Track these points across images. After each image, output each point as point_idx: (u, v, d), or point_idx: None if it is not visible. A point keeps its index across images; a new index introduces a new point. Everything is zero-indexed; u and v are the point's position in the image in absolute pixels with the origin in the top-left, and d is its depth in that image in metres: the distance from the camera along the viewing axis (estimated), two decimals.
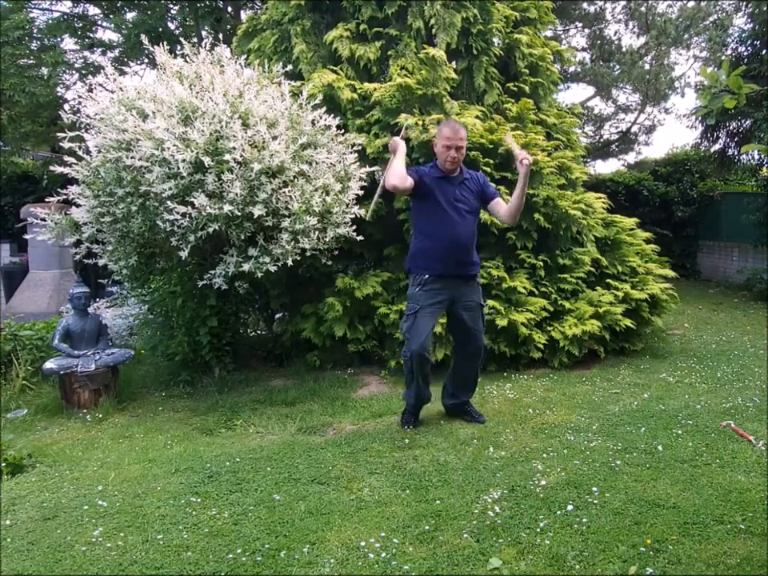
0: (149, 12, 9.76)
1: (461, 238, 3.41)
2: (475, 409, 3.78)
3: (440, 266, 3.41)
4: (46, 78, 9.15)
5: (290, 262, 4.04)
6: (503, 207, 3.49)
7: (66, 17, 10.22)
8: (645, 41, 12.20)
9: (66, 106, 4.35)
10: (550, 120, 5.78)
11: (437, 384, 3.86)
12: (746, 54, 8.71)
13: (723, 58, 8.34)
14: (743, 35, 8.84)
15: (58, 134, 4.29)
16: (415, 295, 3.45)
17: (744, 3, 9.81)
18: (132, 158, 3.82)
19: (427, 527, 2.48)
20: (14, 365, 4.70)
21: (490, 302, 4.72)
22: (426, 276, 3.42)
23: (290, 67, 5.21)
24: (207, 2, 9.29)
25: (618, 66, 12.16)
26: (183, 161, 3.73)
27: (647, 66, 12.09)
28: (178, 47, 4.64)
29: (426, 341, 3.44)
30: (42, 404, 4.40)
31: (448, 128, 3.40)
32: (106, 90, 4.21)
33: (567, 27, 13.28)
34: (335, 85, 5.03)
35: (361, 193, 4.47)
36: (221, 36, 8.77)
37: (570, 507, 2.59)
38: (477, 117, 5.18)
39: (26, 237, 5.75)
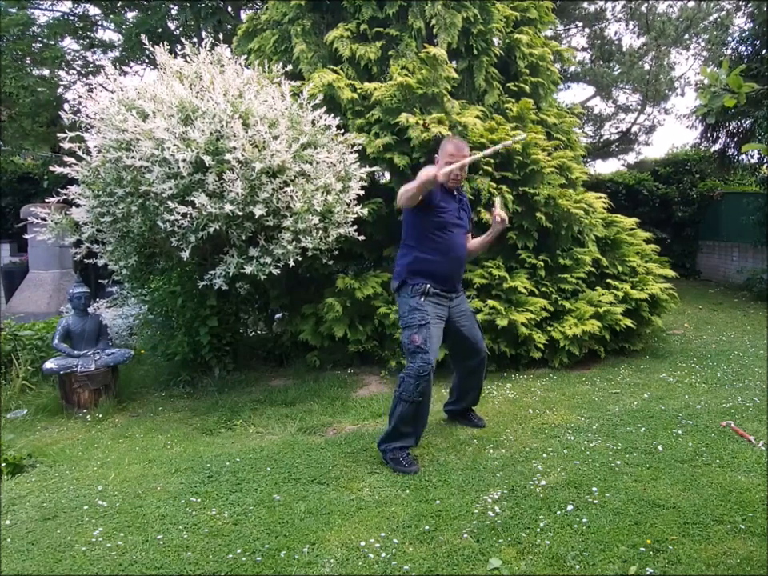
0: (149, 12, 9.76)
1: (461, 256, 3.35)
2: (475, 413, 3.75)
3: (441, 282, 3.26)
4: (46, 77, 9.16)
5: (291, 263, 4.04)
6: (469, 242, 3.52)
7: (66, 17, 10.23)
8: (645, 41, 12.20)
9: (66, 106, 4.32)
10: (550, 120, 5.78)
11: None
12: (746, 53, 8.71)
13: (723, 57, 8.34)
14: (743, 35, 8.85)
15: (58, 134, 4.29)
16: (422, 305, 3.19)
17: (744, 3, 9.82)
18: (132, 157, 3.82)
19: (427, 527, 2.48)
20: (14, 365, 4.71)
21: (490, 302, 4.72)
22: (428, 286, 3.22)
23: (290, 67, 5.21)
24: (209, 3, 9.28)
25: (617, 66, 12.17)
26: (183, 160, 3.73)
27: (647, 66, 12.10)
28: (179, 47, 4.62)
29: (437, 354, 3.24)
30: (42, 404, 4.40)
31: (452, 145, 3.26)
32: (106, 89, 4.21)
33: (567, 27, 13.29)
34: (335, 84, 5.03)
35: (362, 193, 4.47)
36: (221, 36, 8.76)
37: (570, 507, 2.59)
38: (477, 117, 5.18)
39: (26, 237, 5.76)
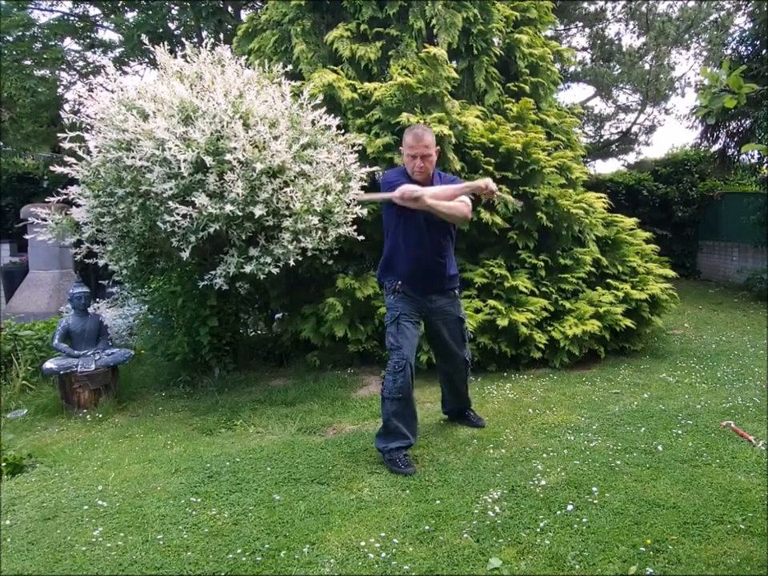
0: (150, 12, 9.77)
1: (423, 255, 3.20)
2: (475, 413, 3.75)
3: (407, 283, 3.22)
4: (47, 77, 9.17)
5: (291, 263, 4.04)
6: None
7: (66, 17, 10.23)
8: (645, 41, 12.21)
9: (67, 106, 4.33)
10: (550, 120, 5.79)
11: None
12: (746, 53, 8.71)
13: (723, 57, 8.34)
14: (743, 35, 8.85)
15: (59, 134, 4.29)
16: (393, 303, 3.24)
17: (744, 3, 9.82)
18: (132, 157, 3.82)
19: (427, 527, 2.48)
20: (14, 365, 4.70)
21: (491, 302, 4.73)
22: (400, 282, 3.22)
23: (290, 67, 5.21)
24: (209, 3, 9.29)
25: (617, 66, 12.18)
26: (184, 161, 3.72)
27: (647, 66, 12.10)
28: (179, 47, 4.62)
29: (414, 348, 3.20)
30: (42, 404, 4.40)
31: (410, 135, 3.13)
32: (107, 89, 4.21)
33: (568, 27, 13.30)
34: (336, 85, 5.03)
35: (362, 193, 4.47)
36: (221, 36, 8.78)
37: (570, 507, 2.59)
38: (477, 116, 5.19)
39: (26, 237, 5.75)
